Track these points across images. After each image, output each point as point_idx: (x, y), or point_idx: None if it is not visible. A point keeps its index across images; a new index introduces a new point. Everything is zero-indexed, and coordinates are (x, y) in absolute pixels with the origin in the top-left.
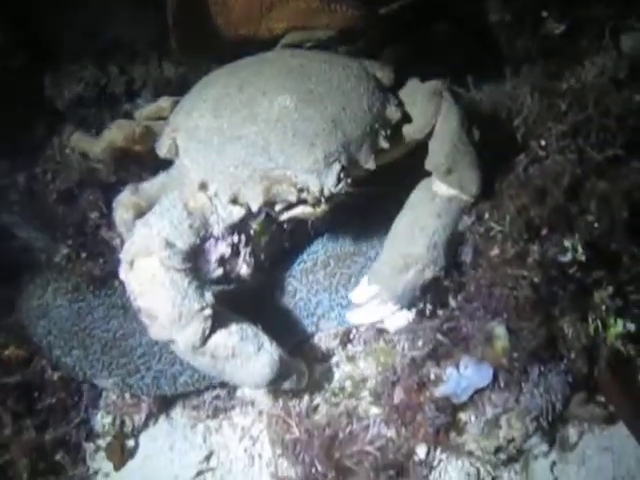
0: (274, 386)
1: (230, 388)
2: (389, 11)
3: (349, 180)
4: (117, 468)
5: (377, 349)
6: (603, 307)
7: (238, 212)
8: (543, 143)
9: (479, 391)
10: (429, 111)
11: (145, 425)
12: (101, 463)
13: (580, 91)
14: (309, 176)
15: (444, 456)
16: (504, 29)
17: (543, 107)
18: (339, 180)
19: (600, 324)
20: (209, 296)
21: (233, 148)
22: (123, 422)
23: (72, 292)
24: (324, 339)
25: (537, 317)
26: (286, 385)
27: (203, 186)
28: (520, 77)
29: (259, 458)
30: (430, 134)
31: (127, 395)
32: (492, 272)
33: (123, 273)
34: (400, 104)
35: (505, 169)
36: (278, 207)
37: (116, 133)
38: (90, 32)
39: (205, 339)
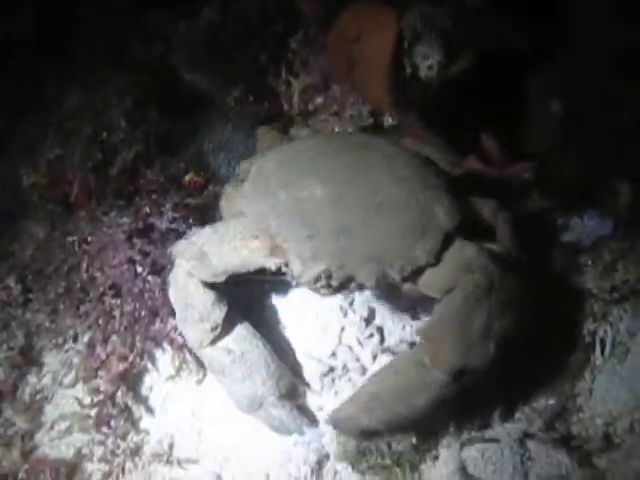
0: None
1: None
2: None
3: (334, 282)
4: None
5: None
6: None
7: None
8: None
9: (600, 239)
10: (446, 282)
11: None
12: None
13: None
14: (295, 259)
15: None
16: None
17: None
18: (318, 279)
19: None
20: (218, 313)
21: (265, 201)
22: None
23: (248, 129)
24: None
25: None
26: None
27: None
28: None
29: None
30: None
31: None
32: None
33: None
34: (437, 250)
35: None
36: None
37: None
38: None
39: (203, 347)
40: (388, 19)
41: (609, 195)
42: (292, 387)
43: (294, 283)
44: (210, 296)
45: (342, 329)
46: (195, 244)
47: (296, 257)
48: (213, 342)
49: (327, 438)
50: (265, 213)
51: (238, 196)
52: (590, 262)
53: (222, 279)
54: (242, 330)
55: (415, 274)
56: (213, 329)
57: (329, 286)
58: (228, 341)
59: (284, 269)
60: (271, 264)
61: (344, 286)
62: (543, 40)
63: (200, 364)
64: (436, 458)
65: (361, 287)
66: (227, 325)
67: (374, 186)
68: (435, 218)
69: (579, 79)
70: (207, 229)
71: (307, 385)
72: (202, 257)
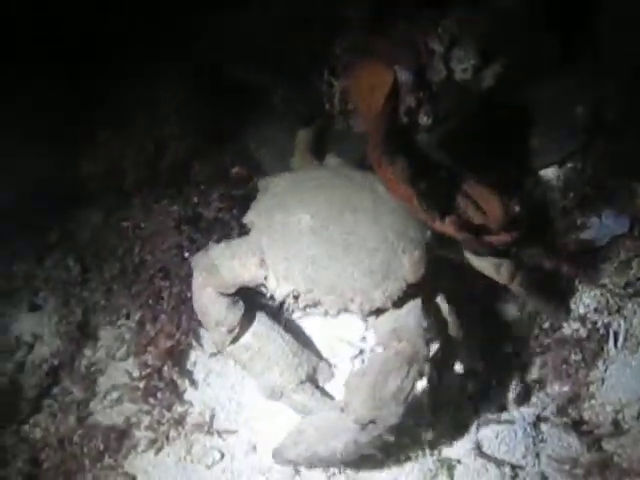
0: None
1: None
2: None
3: (300, 303)
4: None
5: None
6: None
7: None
8: None
9: (616, 237)
10: (384, 337)
11: None
12: None
13: None
14: (272, 277)
15: (581, 287)
16: None
17: None
18: (287, 297)
19: None
20: (233, 317)
21: (265, 218)
22: None
23: (291, 126)
24: None
25: None
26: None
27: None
28: None
29: None
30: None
31: None
32: None
33: None
34: (396, 297)
35: None
36: None
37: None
38: None
39: (225, 347)
40: (385, 76)
41: (626, 196)
42: (313, 372)
43: (268, 295)
44: (224, 302)
45: None
46: (209, 257)
47: (272, 274)
48: (233, 341)
49: None
50: (262, 229)
51: (253, 208)
52: (606, 259)
53: (232, 291)
54: (260, 326)
55: (375, 313)
56: (230, 332)
57: (297, 302)
58: (247, 338)
59: (264, 282)
60: (257, 276)
61: (311, 307)
62: (571, 44)
63: None
64: (454, 437)
65: (327, 312)
66: (246, 323)
67: (354, 226)
68: (401, 268)
69: (603, 83)
70: (222, 244)
71: (335, 366)
72: (213, 270)
